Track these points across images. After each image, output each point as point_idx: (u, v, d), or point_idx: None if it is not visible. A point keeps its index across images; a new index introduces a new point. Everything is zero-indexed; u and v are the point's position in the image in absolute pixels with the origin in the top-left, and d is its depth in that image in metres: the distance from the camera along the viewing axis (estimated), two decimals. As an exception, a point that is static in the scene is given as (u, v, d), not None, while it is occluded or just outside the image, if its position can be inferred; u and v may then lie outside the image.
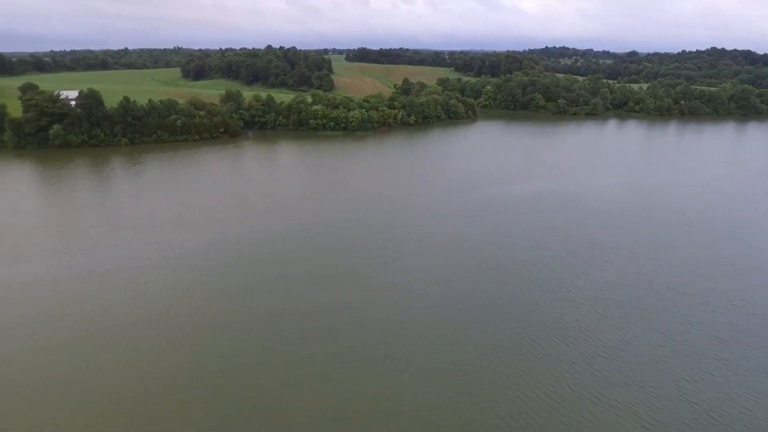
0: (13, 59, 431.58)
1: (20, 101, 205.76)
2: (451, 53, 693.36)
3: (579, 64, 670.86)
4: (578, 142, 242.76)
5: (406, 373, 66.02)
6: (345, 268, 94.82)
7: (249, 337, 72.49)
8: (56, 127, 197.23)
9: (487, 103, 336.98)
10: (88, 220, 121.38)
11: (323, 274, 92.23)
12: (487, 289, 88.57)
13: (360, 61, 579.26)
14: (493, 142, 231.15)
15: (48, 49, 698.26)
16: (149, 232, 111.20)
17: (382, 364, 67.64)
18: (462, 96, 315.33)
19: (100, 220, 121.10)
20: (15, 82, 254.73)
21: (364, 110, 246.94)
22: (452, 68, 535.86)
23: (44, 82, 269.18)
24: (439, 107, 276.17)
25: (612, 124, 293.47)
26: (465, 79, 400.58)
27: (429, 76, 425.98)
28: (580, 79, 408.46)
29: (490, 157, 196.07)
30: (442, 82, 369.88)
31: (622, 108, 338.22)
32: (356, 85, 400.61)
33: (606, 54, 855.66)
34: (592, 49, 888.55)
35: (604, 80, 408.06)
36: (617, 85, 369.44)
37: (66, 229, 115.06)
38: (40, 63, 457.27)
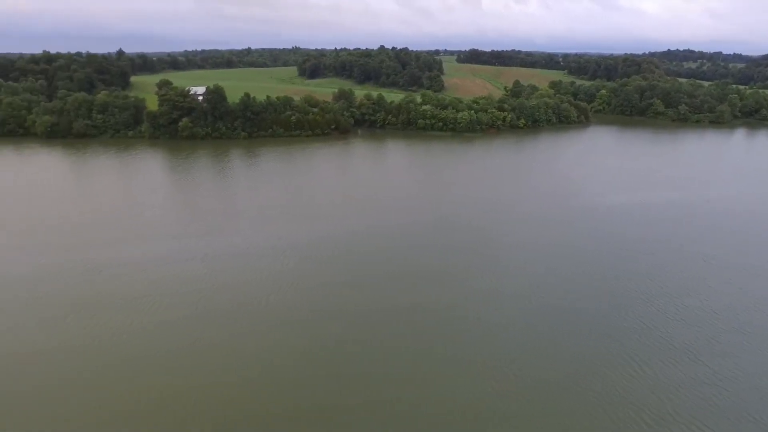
0: (154, 59, 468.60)
1: (157, 96, 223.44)
2: (565, 56, 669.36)
3: (705, 68, 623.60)
4: (699, 151, 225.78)
5: (502, 379, 64.68)
6: (446, 269, 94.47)
7: (349, 330, 74.00)
8: (185, 120, 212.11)
9: (600, 107, 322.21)
10: (207, 206, 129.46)
11: (425, 273, 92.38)
12: (589, 300, 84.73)
13: (471, 63, 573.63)
14: (605, 148, 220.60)
15: (182, 49, 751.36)
16: (261, 221, 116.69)
17: (477, 367, 66.70)
18: (575, 100, 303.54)
19: (217, 207, 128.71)
20: (153, 79, 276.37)
21: (472, 111, 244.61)
22: (565, 71, 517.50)
23: (178, 79, 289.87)
24: (549, 110, 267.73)
25: (740, 134, 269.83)
26: (579, 82, 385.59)
27: (540, 78, 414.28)
28: (706, 84, 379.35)
29: (601, 163, 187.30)
30: (554, 85, 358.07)
31: (754, 116, 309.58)
32: (466, 86, 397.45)
33: (737, 57, 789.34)
34: (721, 52, 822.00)
35: (734, 86, 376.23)
36: (749, 91, 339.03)
37: (188, 214, 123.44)
38: (175, 62, 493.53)
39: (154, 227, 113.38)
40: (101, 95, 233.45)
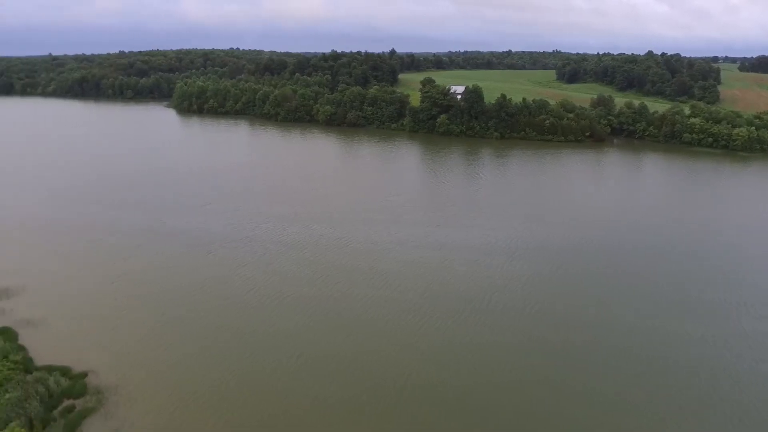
0: (420, 58, 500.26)
1: (420, 93, 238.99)
2: None
3: None
4: None
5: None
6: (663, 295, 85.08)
7: (580, 337, 71.67)
8: (443, 116, 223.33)
9: None
10: (449, 199, 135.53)
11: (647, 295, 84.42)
12: None
13: (757, 71, 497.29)
14: None
15: (446, 50, 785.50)
16: (498, 220, 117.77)
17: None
18: None
19: (459, 201, 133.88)
20: (418, 77, 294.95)
21: (753, 128, 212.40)
22: None
23: (440, 77, 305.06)
24: None
25: None
26: None
27: None
28: None
29: None
30: None
31: None
32: (748, 98, 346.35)
33: None
34: None
35: None
36: None
37: (431, 204, 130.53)
38: (438, 61, 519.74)
39: (398, 212, 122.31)
40: (373, 90, 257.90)
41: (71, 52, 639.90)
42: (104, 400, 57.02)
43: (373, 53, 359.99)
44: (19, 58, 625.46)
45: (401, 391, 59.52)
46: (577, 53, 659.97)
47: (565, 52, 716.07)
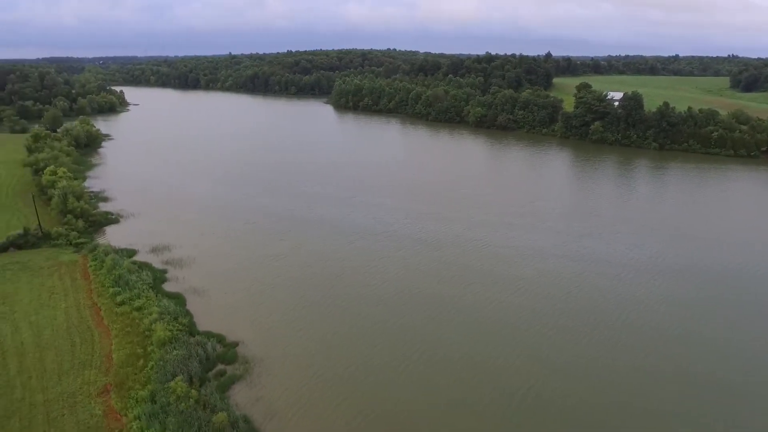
0: (577, 62, 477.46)
1: (574, 98, 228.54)
2: None
3: None
4: None
5: None
6: None
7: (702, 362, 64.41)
8: (597, 123, 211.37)
9: None
10: (595, 209, 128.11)
11: None
12: None
13: None
14: None
15: (605, 54, 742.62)
16: (643, 234, 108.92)
17: None
18: None
19: (605, 212, 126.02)
20: (574, 82, 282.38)
21: None
22: None
23: (596, 82, 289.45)
24: None
25: None
26: None
27: None
28: None
29: None
30: None
31: None
32: None
33: None
34: None
35: None
36: None
37: (575, 213, 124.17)
38: (596, 65, 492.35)
39: (539, 218, 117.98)
40: (525, 93, 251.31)
41: (247, 52, 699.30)
42: (250, 370, 62.15)
43: (527, 56, 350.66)
44: (205, 58, 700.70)
45: (523, 399, 57.85)
46: (758, 58, 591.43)
47: (742, 57, 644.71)
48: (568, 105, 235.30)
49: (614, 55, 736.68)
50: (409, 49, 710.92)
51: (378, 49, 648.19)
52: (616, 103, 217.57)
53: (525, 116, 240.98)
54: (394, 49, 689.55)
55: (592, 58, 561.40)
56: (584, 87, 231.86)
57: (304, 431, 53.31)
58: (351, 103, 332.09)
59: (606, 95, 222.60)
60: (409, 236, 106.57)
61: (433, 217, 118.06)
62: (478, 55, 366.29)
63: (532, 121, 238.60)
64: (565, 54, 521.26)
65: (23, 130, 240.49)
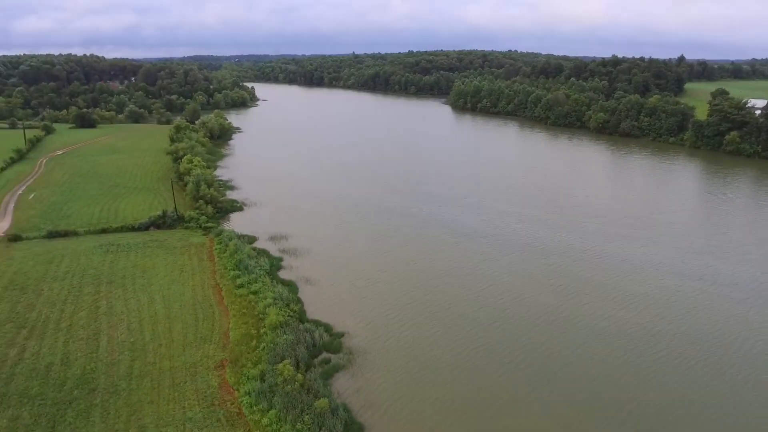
0: (714, 66, 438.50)
1: (708, 105, 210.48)
2: None
3: None
4: None
5: None
6: None
7: None
8: (733, 133, 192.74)
9: None
10: (723, 226, 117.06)
11: None
12: None
13: None
14: None
15: (749, 57, 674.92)
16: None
17: None
18: None
19: (734, 229, 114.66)
20: (709, 88, 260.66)
21: None
22: None
23: (736, 88, 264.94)
24: None
25: None
26: None
27: None
28: None
29: None
30: None
31: None
32: None
33: None
34: None
35: None
36: None
37: (699, 229, 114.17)
38: (737, 70, 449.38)
39: (658, 232, 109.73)
40: (653, 99, 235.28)
41: (369, 51, 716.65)
42: (353, 361, 63.85)
43: (657, 59, 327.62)
44: (330, 57, 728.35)
45: (623, 422, 54.49)
46: None
47: None
48: (701, 113, 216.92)
49: (759, 58, 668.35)
50: (530, 51, 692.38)
51: (499, 50, 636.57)
52: (758, 112, 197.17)
53: (651, 123, 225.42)
54: (515, 51, 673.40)
55: (733, 62, 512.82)
56: (720, 93, 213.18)
57: (400, 424, 53.91)
58: (469, 104, 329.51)
59: (746, 103, 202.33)
60: (519, 241, 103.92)
61: (545, 223, 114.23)
62: (603, 58, 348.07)
63: (659, 128, 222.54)
64: (700, 57, 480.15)
65: (168, 122, 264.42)
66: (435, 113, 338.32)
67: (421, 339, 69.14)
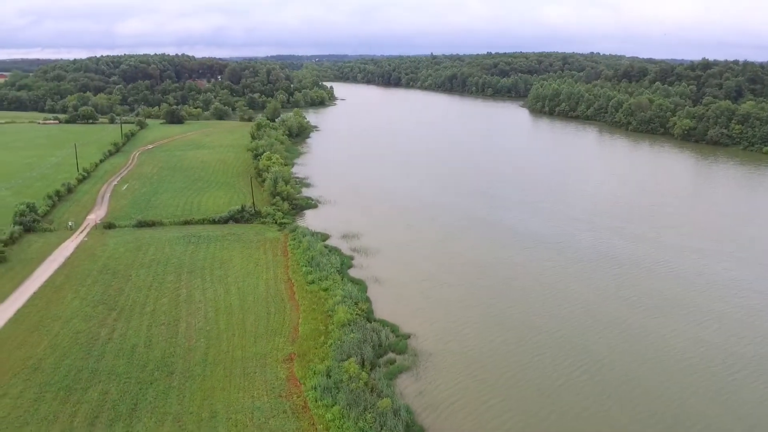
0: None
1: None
2: None
3: None
4: None
5: None
6: None
7: None
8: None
9: None
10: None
11: None
12: None
13: None
14: None
15: None
16: None
17: None
18: None
19: None
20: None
21: None
22: None
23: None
24: None
25: None
26: None
27: None
28: None
29: None
30: None
31: None
32: None
33: None
34: None
35: None
36: None
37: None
38: None
39: (743, 246, 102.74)
40: (746, 105, 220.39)
41: (447, 52, 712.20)
42: (417, 363, 63.76)
43: (753, 62, 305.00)
44: (408, 57, 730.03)
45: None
46: None
47: None
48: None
49: None
50: (613, 53, 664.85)
51: (580, 53, 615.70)
52: None
53: (743, 131, 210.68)
54: (597, 53, 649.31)
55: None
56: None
57: (461, 428, 53.51)
58: (547, 107, 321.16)
59: None
60: (591, 250, 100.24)
61: (618, 233, 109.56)
62: (692, 62, 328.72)
63: (752, 137, 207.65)
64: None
65: (250, 119, 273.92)
66: (512, 116, 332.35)
67: (485, 344, 68.15)
